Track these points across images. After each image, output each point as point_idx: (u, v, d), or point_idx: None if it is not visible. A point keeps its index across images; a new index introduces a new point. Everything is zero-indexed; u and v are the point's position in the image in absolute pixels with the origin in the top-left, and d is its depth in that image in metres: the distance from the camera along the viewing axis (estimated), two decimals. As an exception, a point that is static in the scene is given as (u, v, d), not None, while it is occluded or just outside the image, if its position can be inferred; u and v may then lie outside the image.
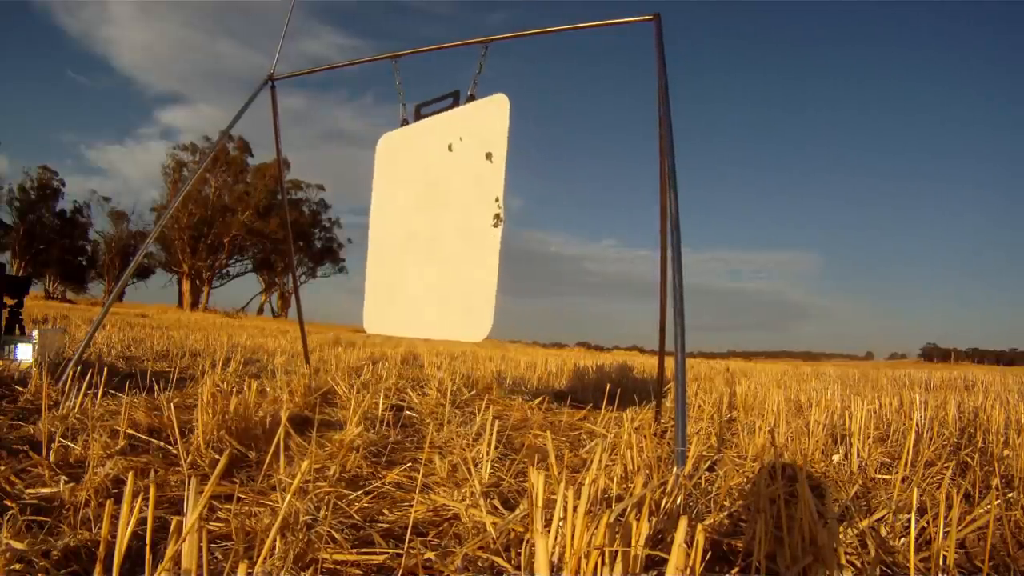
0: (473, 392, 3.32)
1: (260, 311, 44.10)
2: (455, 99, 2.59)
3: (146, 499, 0.87)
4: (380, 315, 2.79)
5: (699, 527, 0.79)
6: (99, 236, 42.63)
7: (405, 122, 2.82)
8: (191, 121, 58.83)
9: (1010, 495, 1.54)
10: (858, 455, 1.89)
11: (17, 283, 3.35)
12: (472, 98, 2.53)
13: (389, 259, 2.78)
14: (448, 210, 2.51)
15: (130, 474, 0.86)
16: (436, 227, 2.55)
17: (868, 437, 2.11)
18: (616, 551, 0.82)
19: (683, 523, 0.76)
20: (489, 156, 2.34)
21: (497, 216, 2.27)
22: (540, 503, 0.98)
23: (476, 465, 1.63)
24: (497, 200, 2.28)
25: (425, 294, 2.54)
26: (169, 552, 0.76)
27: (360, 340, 8.96)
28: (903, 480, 1.64)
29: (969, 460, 1.93)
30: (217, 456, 1.64)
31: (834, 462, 1.93)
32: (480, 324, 2.26)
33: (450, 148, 2.53)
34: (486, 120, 2.41)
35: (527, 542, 1.09)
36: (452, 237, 2.46)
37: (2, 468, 1.36)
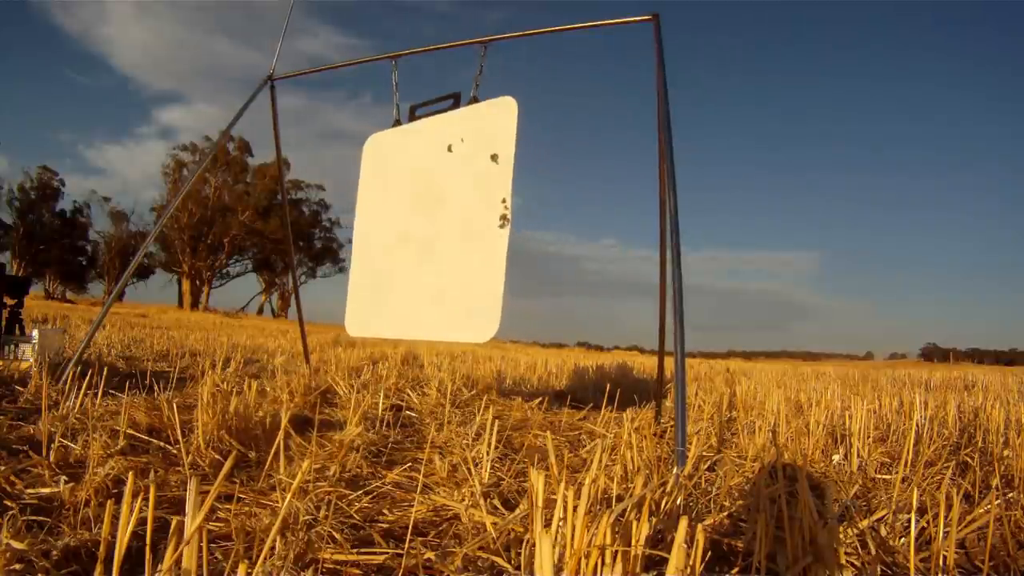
0: (473, 392, 3.32)
1: (260, 311, 44.14)
2: (456, 101, 2.59)
3: (146, 499, 0.87)
4: (366, 317, 2.72)
5: (699, 527, 0.79)
6: (99, 236, 42.69)
7: (398, 122, 2.80)
8: (190, 121, 58.93)
9: (1010, 495, 1.54)
10: (858, 455, 1.89)
11: (17, 283, 3.35)
12: (475, 100, 2.52)
13: (378, 260, 2.72)
14: (447, 211, 2.49)
15: (130, 474, 0.86)
16: (434, 228, 2.53)
17: (868, 437, 2.11)
18: (616, 551, 0.82)
19: (683, 523, 0.76)
20: (495, 158, 2.32)
21: (504, 217, 2.27)
22: (540, 503, 0.98)
23: (476, 465, 1.63)
24: (504, 201, 2.28)
25: (422, 295, 2.51)
26: (168, 557, 0.76)
27: (360, 340, 8.96)
28: (903, 480, 1.64)
29: (969, 460, 1.93)
30: (217, 456, 1.64)
31: (834, 462, 1.93)
32: (486, 325, 2.24)
33: (450, 149, 2.52)
34: (492, 122, 2.39)
35: (527, 542, 1.09)
36: (453, 238, 2.44)
37: (2, 468, 1.36)
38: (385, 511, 1.34)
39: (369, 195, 2.85)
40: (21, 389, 2.35)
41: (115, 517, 0.86)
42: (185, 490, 1.35)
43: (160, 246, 40.03)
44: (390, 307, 2.63)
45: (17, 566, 0.93)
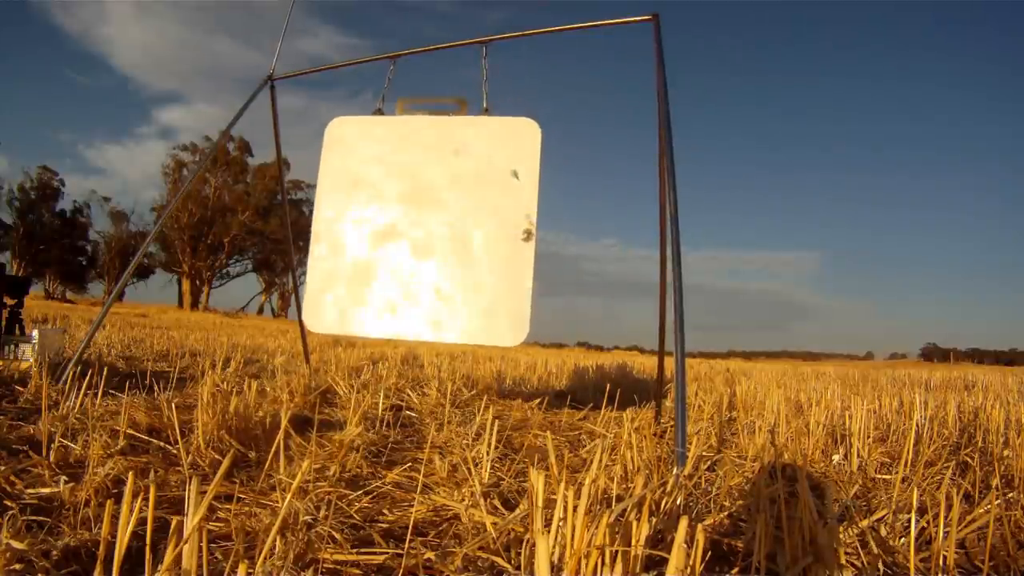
0: (473, 392, 3.32)
1: (260, 311, 44.14)
2: (460, 106, 2.62)
3: (146, 499, 0.87)
4: (338, 313, 2.60)
5: (699, 527, 0.79)
6: (99, 236, 42.68)
7: (380, 111, 2.78)
8: (190, 121, 58.84)
9: (1010, 495, 1.54)
10: (858, 455, 1.89)
11: (17, 283, 3.35)
12: (486, 111, 2.60)
13: (350, 252, 2.62)
14: (452, 214, 2.51)
15: (130, 474, 0.86)
16: (433, 228, 2.53)
17: (868, 437, 2.11)
18: (616, 551, 0.82)
19: (683, 523, 0.76)
20: (515, 174, 2.44)
21: (528, 232, 2.41)
22: (540, 503, 0.98)
23: (476, 465, 1.63)
24: (528, 216, 2.42)
25: (426, 296, 2.49)
26: (169, 555, 0.76)
27: (360, 340, 8.95)
28: (903, 480, 1.64)
29: (969, 460, 1.93)
30: (217, 456, 1.64)
31: (834, 462, 1.93)
32: (517, 329, 2.38)
33: (456, 153, 2.55)
34: (512, 139, 2.50)
35: (527, 542, 1.09)
36: (464, 243, 2.48)
37: (2, 468, 1.36)
38: (385, 511, 1.34)
39: (336, 181, 2.73)
40: (21, 389, 2.35)
41: (115, 517, 0.86)
42: (185, 490, 1.35)
43: (160, 246, 40.03)
44: (377, 305, 2.55)
45: (17, 566, 0.93)
